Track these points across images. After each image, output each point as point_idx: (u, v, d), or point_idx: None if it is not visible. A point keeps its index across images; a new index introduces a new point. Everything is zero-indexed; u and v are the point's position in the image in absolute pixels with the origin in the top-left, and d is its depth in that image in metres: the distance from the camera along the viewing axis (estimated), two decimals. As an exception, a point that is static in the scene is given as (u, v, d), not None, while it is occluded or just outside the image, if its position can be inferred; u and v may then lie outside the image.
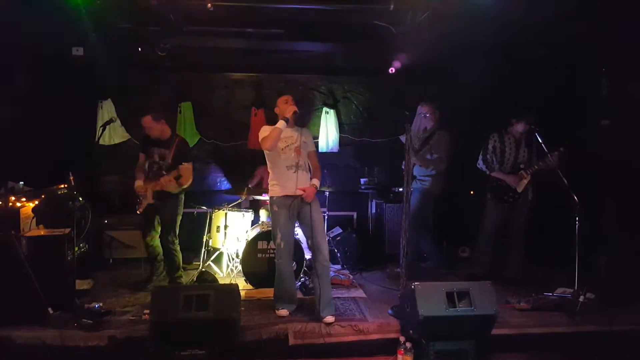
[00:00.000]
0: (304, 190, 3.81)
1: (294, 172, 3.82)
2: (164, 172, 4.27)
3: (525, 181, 4.59)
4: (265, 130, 3.84)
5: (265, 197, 5.08)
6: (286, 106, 3.84)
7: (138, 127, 4.62)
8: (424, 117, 4.96)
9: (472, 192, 5.76)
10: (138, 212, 4.40)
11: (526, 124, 4.60)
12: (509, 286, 4.48)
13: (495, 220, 4.74)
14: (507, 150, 4.70)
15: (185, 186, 4.34)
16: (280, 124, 3.75)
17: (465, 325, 3.36)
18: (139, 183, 4.35)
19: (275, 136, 3.75)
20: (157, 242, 4.53)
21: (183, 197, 4.48)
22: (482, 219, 4.84)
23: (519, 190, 4.59)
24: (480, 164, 4.81)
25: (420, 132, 4.98)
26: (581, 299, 4.18)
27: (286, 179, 3.83)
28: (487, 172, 4.75)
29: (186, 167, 4.27)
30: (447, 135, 4.90)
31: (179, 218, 4.49)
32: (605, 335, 3.63)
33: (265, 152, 3.90)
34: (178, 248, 4.51)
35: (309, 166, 3.97)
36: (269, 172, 3.99)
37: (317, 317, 3.74)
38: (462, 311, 3.34)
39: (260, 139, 3.84)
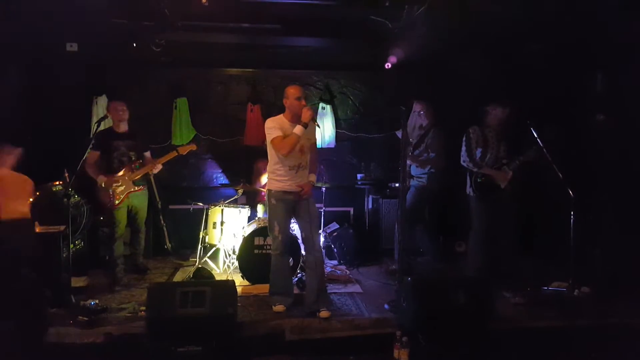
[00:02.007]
0: (302, 188, 3.82)
1: (296, 172, 3.82)
2: (137, 161, 4.43)
3: (508, 176, 4.45)
4: (273, 128, 3.73)
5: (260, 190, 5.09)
6: (299, 104, 3.73)
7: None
8: (418, 115, 4.96)
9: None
10: (116, 204, 4.33)
11: (504, 110, 4.45)
12: (504, 280, 4.47)
13: (483, 218, 4.53)
14: (490, 145, 4.50)
15: (158, 170, 4.52)
16: (299, 129, 3.67)
17: (462, 321, 3.38)
18: (103, 178, 4.31)
19: (293, 144, 3.68)
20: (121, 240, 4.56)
21: (154, 185, 4.82)
22: (471, 219, 4.62)
23: (502, 186, 4.44)
24: (465, 161, 4.54)
25: (417, 129, 4.98)
26: (576, 292, 4.22)
27: (287, 177, 3.82)
28: (475, 170, 4.50)
29: (149, 154, 4.60)
30: (442, 133, 4.89)
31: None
32: (601, 328, 3.66)
33: (271, 149, 3.84)
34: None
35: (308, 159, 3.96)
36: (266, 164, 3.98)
37: (307, 308, 3.77)
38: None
39: (270, 139, 3.73)
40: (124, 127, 4.48)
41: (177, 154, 4.44)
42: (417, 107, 4.91)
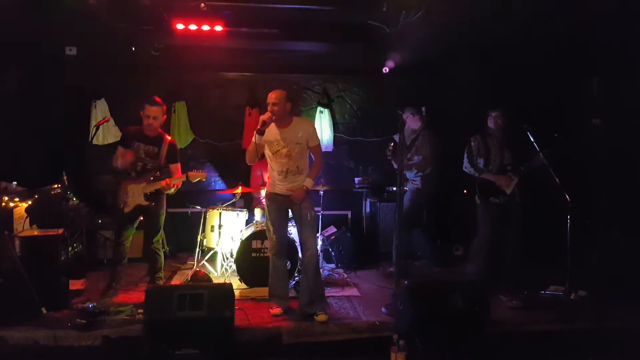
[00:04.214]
0: (292, 192, 3.83)
1: (284, 177, 3.84)
2: (155, 172, 4.16)
3: (514, 183, 4.43)
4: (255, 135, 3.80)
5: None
6: (268, 109, 3.71)
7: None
8: (411, 119, 4.99)
9: (465, 191, 5.78)
10: (125, 211, 4.18)
11: (500, 114, 4.44)
12: (501, 284, 4.46)
13: (490, 225, 4.48)
14: (492, 152, 4.49)
15: (177, 188, 4.28)
16: (255, 137, 3.69)
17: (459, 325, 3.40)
18: (121, 150, 4.15)
19: (251, 151, 3.76)
20: (128, 243, 4.37)
21: (165, 196, 4.39)
22: (477, 225, 4.57)
23: (508, 192, 4.41)
24: (467, 167, 4.57)
25: (411, 133, 5.02)
26: (573, 296, 4.23)
27: (276, 181, 3.89)
28: (476, 175, 4.52)
29: (178, 167, 4.29)
30: (432, 136, 4.91)
31: (163, 218, 4.38)
32: (597, 332, 3.67)
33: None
34: (161, 250, 4.42)
35: (307, 163, 3.93)
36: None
37: (302, 311, 3.78)
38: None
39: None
40: (152, 132, 4.20)
41: (186, 179, 4.17)
42: (407, 112, 4.94)
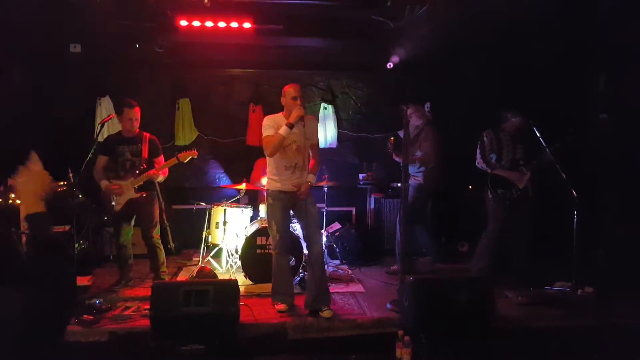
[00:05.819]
0: (298, 188, 3.82)
1: (292, 173, 3.82)
2: (143, 166, 4.25)
3: (526, 177, 4.49)
4: (268, 127, 3.75)
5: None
6: (293, 104, 3.71)
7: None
8: (413, 116, 4.98)
9: (470, 187, 5.77)
10: (116, 209, 4.26)
11: (523, 120, 4.49)
12: (507, 280, 4.45)
13: (500, 219, 4.51)
14: (505, 147, 4.54)
15: (165, 176, 4.41)
16: (284, 130, 3.63)
17: (464, 320, 3.39)
18: (105, 183, 4.27)
19: (277, 144, 3.67)
20: (129, 242, 4.45)
21: (158, 191, 4.45)
22: (487, 219, 4.60)
23: (521, 186, 4.46)
24: (479, 162, 4.60)
25: (413, 129, 5.02)
26: (579, 292, 4.21)
27: (283, 178, 3.84)
28: (489, 171, 4.54)
29: (161, 159, 4.39)
30: (434, 132, 4.90)
31: (157, 212, 4.44)
32: (604, 328, 3.65)
33: None
34: (161, 243, 4.47)
35: (308, 159, 3.94)
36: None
37: (308, 306, 3.79)
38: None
39: (263, 137, 3.77)
40: (131, 134, 4.35)
41: (177, 161, 4.30)
42: (409, 110, 4.93)
